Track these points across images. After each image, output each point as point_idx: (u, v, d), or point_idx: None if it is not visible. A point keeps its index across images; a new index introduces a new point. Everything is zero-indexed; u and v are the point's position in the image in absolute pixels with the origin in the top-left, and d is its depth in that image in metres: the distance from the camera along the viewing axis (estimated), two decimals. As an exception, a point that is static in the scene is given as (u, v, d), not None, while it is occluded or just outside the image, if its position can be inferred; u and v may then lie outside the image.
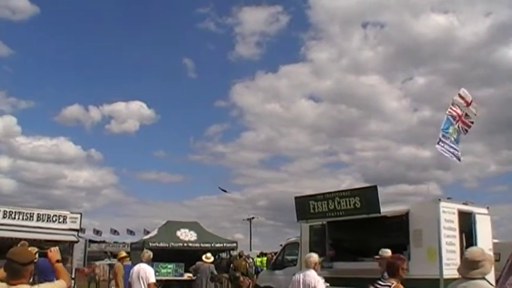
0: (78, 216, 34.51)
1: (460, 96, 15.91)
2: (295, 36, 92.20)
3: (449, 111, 15.49)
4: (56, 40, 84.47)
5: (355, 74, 75.13)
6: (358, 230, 14.23)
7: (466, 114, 15.89)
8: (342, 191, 14.64)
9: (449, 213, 12.54)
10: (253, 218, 56.80)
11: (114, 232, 56.22)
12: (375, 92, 71.97)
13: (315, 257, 8.95)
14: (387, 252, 10.36)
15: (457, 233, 12.54)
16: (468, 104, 15.94)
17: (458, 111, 15.65)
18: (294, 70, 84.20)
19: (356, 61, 71.60)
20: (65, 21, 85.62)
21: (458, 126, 15.66)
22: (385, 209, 13.25)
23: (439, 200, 12.67)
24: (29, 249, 4.93)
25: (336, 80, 74.33)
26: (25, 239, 14.31)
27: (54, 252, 4.81)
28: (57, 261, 4.76)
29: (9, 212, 31.35)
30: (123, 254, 14.27)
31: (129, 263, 13.65)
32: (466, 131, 15.98)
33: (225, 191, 45.86)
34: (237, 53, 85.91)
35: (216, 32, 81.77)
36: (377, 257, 10.75)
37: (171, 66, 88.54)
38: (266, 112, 78.90)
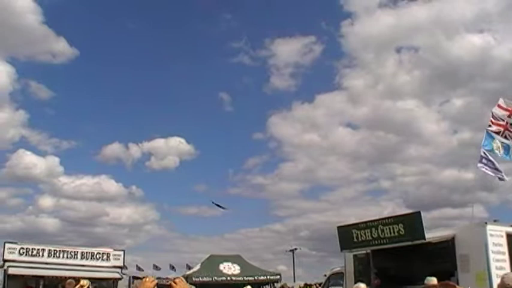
0: (121, 253, 34.93)
1: (500, 107, 15.44)
2: (330, 65, 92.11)
3: (490, 125, 15.11)
4: (95, 81, 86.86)
5: (392, 99, 74.61)
6: (403, 257, 13.97)
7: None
8: (385, 218, 14.45)
9: (497, 237, 12.21)
10: (295, 249, 56.28)
11: (156, 268, 56.39)
12: (412, 117, 71.13)
13: (363, 287, 8.83)
14: (433, 280, 10.12)
15: (506, 257, 12.19)
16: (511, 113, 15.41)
17: (502, 122, 15.21)
18: (329, 99, 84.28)
19: (392, 86, 71.11)
20: (104, 62, 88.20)
21: (506, 136, 15.21)
22: (430, 235, 13.01)
23: (486, 223, 12.37)
24: (147, 279, 4.65)
25: (372, 107, 73.95)
26: (70, 277, 14.48)
27: (181, 284, 4.34)
28: None
29: (54, 251, 31.99)
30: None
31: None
32: None
33: (219, 206, 45.10)
34: (272, 85, 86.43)
35: (251, 65, 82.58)
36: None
37: (208, 100, 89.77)
38: (304, 142, 78.71)
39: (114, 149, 78.06)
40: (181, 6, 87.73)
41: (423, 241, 12.83)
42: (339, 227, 15.67)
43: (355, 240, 14.85)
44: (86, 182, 72.00)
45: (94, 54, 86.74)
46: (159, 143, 76.38)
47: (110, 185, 72.92)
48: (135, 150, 77.95)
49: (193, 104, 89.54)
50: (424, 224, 13.01)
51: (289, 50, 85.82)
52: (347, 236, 15.13)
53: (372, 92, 75.13)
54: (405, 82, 70.73)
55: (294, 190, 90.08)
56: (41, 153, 76.49)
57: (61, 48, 71.47)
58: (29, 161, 66.97)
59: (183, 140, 75.11)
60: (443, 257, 12.93)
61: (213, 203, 46.21)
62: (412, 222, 13.24)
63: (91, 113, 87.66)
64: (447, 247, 12.77)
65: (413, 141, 79.49)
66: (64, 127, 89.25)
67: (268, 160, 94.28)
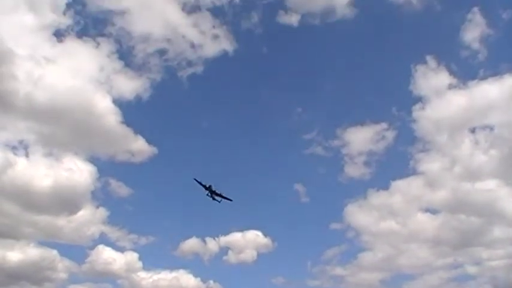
0: None
1: None
2: (403, 151, 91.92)
3: None
4: (172, 177, 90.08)
5: (470, 180, 72.92)
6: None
7: None
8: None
9: None
10: None
11: None
12: (494, 197, 68.87)
13: None
14: None
15: None
16: None
17: None
18: (406, 184, 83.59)
19: (469, 168, 69.98)
20: (180, 159, 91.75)
21: None
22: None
23: None
24: None
25: (451, 190, 72.67)
26: None
27: None
28: None
29: None
30: None
31: None
32: None
33: (201, 185, 42.93)
34: (346, 174, 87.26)
35: (324, 156, 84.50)
36: None
37: (284, 193, 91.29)
38: (382, 230, 77.91)
39: (191, 243, 79.81)
40: (253, 102, 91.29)
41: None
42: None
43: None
44: (164, 277, 73.45)
45: (171, 152, 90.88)
46: (236, 237, 78.02)
47: (187, 280, 73.96)
48: (212, 244, 79.45)
49: (269, 196, 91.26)
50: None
51: (361, 138, 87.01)
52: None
53: (449, 175, 74.23)
54: (483, 162, 69.58)
55: (374, 279, 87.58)
56: (120, 249, 78.87)
57: (139, 146, 75.54)
58: (109, 257, 69.76)
59: (260, 233, 76.29)
60: None
61: (195, 180, 44.04)
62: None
63: (168, 208, 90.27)
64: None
65: (497, 222, 76.35)
66: (142, 223, 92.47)
67: (347, 250, 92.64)
